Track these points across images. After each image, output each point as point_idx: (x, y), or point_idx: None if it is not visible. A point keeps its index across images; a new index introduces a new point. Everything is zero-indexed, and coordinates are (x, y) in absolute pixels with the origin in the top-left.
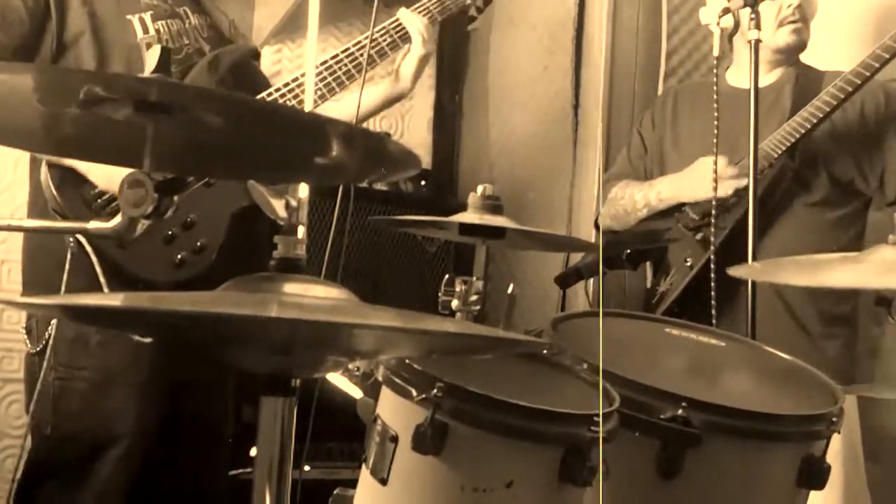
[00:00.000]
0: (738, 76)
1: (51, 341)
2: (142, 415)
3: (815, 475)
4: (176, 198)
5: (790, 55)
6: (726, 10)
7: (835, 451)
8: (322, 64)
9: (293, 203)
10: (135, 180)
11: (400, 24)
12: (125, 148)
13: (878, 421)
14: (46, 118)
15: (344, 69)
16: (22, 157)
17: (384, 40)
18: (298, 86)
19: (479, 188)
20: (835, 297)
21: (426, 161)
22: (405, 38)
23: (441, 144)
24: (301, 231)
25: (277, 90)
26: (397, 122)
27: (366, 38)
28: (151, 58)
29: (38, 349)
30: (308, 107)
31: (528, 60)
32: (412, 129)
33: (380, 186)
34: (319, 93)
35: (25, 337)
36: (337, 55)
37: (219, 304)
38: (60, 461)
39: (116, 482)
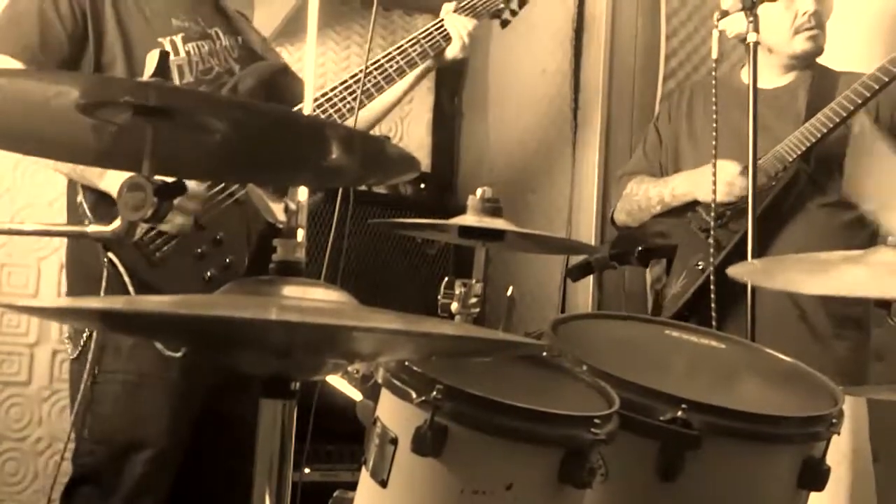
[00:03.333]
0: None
1: (91, 347)
2: (174, 417)
3: (815, 477)
4: (175, 202)
5: (806, 61)
6: (724, 13)
7: (842, 453)
8: (353, 77)
9: (293, 206)
10: (134, 184)
11: (431, 35)
12: (124, 152)
13: (883, 422)
14: (49, 123)
15: (372, 81)
16: (21, 161)
17: (414, 51)
18: (337, 95)
19: (479, 191)
20: (845, 299)
21: (425, 163)
22: (435, 47)
23: (440, 147)
24: (300, 234)
25: (316, 101)
26: (396, 124)
27: (395, 49)
28: (150, 62)
29: (75, 355)
30: (307, 109)
31: (528, 62)
32: (411, 132)
33: (379, 189)
34: (349, 106)
35: (69, 344)
36: (378, 60)
37: (219, 307)
38: (95, 464)
39: (149, 485)
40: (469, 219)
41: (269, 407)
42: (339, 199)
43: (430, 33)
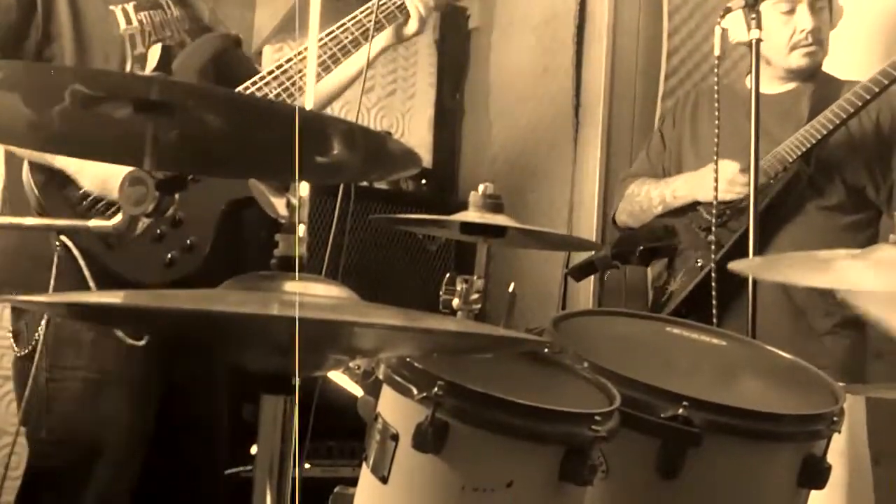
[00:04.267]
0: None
1: (40, 343)
2: (137, 415)
3: (815, 475)
4: (176, 196)
5: (802, 75)
6: (727, 10)
7: (839, 451)
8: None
9: (294, 202)
10: (136, 178)
11: (385, 4)
12: (126, 146)
13: (882, 422)
14: (46, 117)
15: (329, 53)
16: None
17: (368, 20)
18: (283, 73)
19: (480, 187)
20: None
21: (427, 160)
22: (389, 17)
23: (442, 143)
24: (302, 230)
25: (262, 78)
26: (398, 120)
27: (348, 19)
28: (152, 56)
29: (26, 352)
30: (308, 105)
31: (529, 59)
32: (413, 128)
33: (381, 185)
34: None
35: (12, 341)
36: (321, 38)
37: (220, 302)
38: (58, 465)
39: (117, 485)
40: (470, 215)
41: (270, 403)
42: (340, 194)
43: (385, 3)
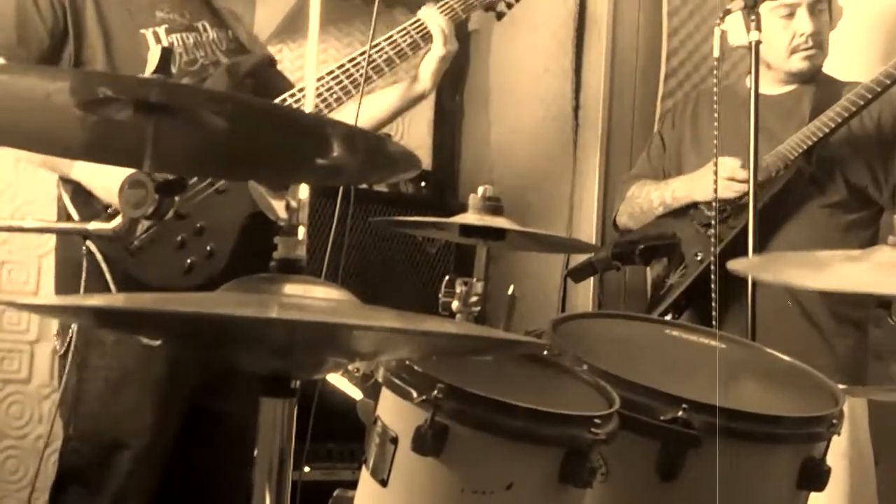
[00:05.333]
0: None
1: (72, 343)
2: (159, 414)
3: (815, 477)
4: (177, 199)
5: (803, 77)
6: (727, 12)
7: (840, 453)
8: (339, 67)
9: (294, 204)
10: (136, 181)
11: (421, 24)
12: (126, 148)
13: (884, 423)
14: (49, 119)
15: (361, 71)
16: (23, 158)
17: (404, 41)
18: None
19: (480, 189)
20: (848, 300)
21: (426, 162)
22: (426, 37)
23: (442, 145)
24: (301, 232)
25: (292, 95)
26: (398, 122)
27: (384, 39)
28: (152, 58)
29: (62, 351)
30: (308, 107)
31: (529, 61)
32: (413, 130)
33: (380, 187)
34: (335, 95)
35: (56, 343)
36: (354, 57)
37: (219, 304)
38: (82, 461)
39: (136, 482)
40: (470, 217)
41: (269, 405)
42: (339, 196)
43: (407, 31)
